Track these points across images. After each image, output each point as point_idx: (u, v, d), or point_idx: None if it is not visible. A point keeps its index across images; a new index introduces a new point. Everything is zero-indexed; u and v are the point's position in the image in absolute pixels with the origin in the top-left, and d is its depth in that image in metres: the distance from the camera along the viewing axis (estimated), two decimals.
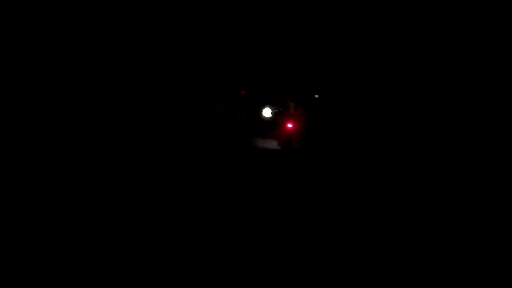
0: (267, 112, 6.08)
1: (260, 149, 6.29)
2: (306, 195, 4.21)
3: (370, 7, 4.84)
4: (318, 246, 2.83)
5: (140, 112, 5.67)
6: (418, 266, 2.54)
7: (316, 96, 5.95)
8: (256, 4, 4.70)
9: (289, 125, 6.15)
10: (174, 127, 6.03)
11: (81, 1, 4.60)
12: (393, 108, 5.91)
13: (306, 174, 5.25)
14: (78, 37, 4.80)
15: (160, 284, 2.17)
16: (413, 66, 5.41)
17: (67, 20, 4.64)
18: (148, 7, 4.63)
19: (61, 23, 4.61)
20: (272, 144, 6.70)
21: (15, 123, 4.79)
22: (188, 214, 3.40)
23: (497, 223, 3.53)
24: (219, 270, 2.36)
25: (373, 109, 6.15)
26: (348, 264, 2.54)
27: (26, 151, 5.05)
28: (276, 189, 4.41)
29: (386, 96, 6.10)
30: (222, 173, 5.04)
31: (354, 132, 6.37)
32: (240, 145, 6.44)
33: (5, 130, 4.68)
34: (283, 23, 4.93)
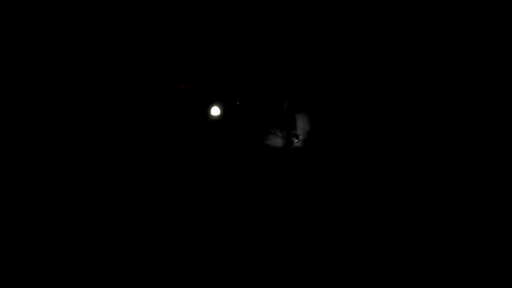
0: (215, 111, 5.47)
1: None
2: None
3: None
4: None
5: (140, 112, 5.67)
6: (418, 266, 2.54)
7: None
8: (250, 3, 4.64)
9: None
10: (174, 127, 6.02)
11: (79, 1, 4.60)
12: (393, 107, 5.89)
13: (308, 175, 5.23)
14: (77, 37, 4.80)
15: (160, 284, 2.17)
16: (413, 63, 5.39)
17: (67, 20, 4.64)
18: (140, 4, 4.61)
19: (61, 23, 4.61)
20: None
21: (15, 123, 4.79)
22: (188, 214, 3.40)
23: (497, 223, 3.53)
24: (219, 270, 2.36)
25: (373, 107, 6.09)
26: (347, 264, 2.53)
27: (26, 151, 5.04)
28: (278, 189, 4.41)
29: (385, 94, 6.08)
30: (221, 173, 5.04)
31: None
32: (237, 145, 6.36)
33: (5, 130, 4.68)
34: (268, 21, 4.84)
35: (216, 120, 5.62)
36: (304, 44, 5.29)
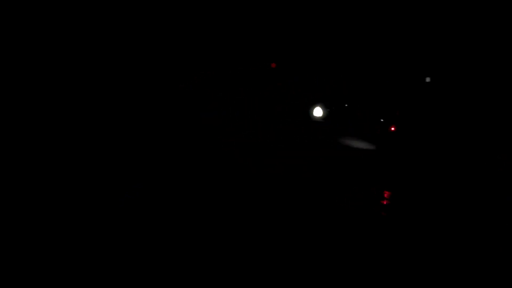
0: (318, 112, 4.93)
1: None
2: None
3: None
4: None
5: (140, 112, 5.66)
6: (418, 266, 2.54)
7: (428, 79, 4.89)
8: None
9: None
10: (174, 127, 6.02)
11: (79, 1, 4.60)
12: (392, 108, 5.88)
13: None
14: (77, 37, 4.80)
15: (160, 284, 2.17)
16: (412, 64, 5.38)
17: (67, 20, 4.64)
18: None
19: (61, 23, 4.61)
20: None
21: (15, 123, 4.79)
22: (188, 214, 3.40)
23: (497, 223, 3.53)
24: (219, 270, 2.36)
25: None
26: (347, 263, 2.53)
27: (26, 151, 5.04)
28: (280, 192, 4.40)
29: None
30: (222, 174, 5.03)
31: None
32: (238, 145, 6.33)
33: (5, 130, 4.68)
34: None
35: (318, 121, 5.31)
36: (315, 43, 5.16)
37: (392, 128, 5.71)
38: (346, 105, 5.32)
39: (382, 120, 5.63)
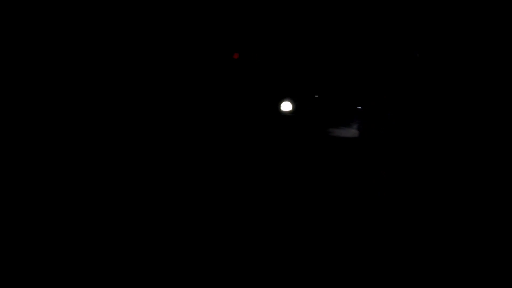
0: (287, 106, 4.83)
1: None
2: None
3: None
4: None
5: (140, 111, 5.66)
6: (418, 266, 2.54)
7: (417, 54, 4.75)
8: None
9: None
10: (174, 126, 6.01)
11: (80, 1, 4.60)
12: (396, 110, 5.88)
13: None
14: (77, 37, 4.80)
15: (160, 284, 2.17)
16: (416, 66, 5.39)
17: (67, 20, 4.64)
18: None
19: (61, 23, 4.61)
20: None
21: (14, 123, 4.79)
22: (189, 214, 3.40)
23: (497, 223, 3.53)
24: (219, 270, 2.36)
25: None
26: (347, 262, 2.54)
27: (26, 150, 5.04)
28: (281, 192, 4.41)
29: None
30: (223, 172, 5.03)
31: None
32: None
33: (4, 130, 4.68)
34: None
35: (287, 115, 5.20)
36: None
37: (375, 112, 5.75)
38: (316, 96, 5.28)
39: (359, 107, 5.65)
